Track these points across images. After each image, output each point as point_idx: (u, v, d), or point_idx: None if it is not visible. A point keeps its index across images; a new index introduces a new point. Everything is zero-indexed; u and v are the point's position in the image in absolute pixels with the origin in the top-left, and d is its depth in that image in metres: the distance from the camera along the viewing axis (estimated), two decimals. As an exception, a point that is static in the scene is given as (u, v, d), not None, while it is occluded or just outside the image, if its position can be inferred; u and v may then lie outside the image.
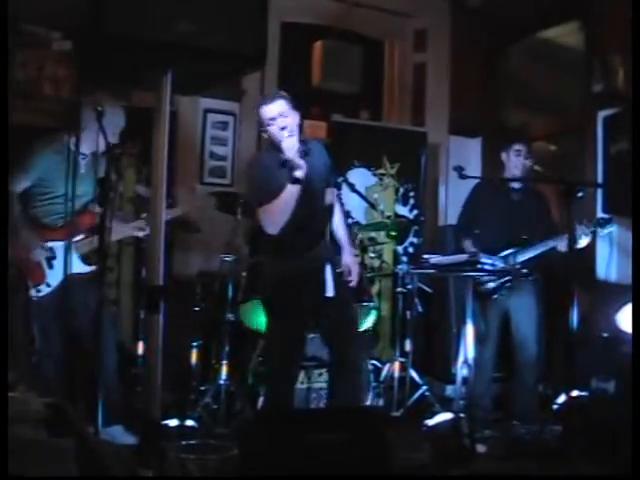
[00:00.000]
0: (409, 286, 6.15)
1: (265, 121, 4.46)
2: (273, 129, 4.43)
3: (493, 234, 5.62)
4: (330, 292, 4.52)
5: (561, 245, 5.41)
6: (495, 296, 5.57)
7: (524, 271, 5.44)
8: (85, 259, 4.68)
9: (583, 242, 5.45)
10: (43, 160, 4.56)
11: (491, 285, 5.54)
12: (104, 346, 4.48)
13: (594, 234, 5.49)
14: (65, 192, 4.42)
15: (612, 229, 5.59)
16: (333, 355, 4.68)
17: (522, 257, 5.53)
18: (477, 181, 5.99)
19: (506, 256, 5.53)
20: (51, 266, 4.58)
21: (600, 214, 6.17)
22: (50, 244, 4.59)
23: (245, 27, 3.17)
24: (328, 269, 4.55)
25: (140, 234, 4.92)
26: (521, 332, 5.65)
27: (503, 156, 5.82)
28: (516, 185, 5.81)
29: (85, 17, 3.00)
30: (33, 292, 4.54)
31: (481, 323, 5.60)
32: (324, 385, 5.27)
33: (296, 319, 4.55)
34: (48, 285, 4.57)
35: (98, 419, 3.86)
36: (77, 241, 4.65)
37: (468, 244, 5.64)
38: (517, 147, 5.75)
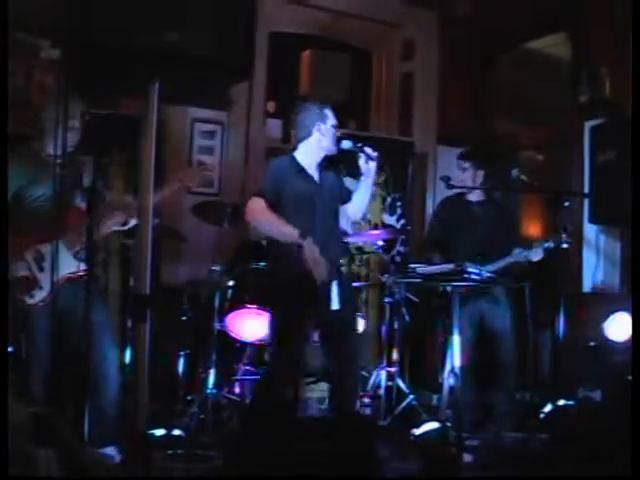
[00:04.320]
0: (396, 295, 6.15)
1: (328, 122, 4.70)
2: (331, 131, 4.71)
3: (457, 248, 5.62)
4: (335, 305, 4.54)
5: (521, 258, 5.43)
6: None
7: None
8: (77, 256, 4.59)
9: (536, 257, 5.46)
10: (18, 168, 4.50)
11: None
12: (105, 365, 4.45)
13: (548, 250, 5.49)
14: (43, 194, 4.41)
15: (566, 245, 5.59)
16: (334, 365, 4.72)
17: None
18: (441, 199, 6.08)
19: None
20: (42, 269, 4.51)
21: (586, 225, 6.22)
22: (37, 247, 4.51)
23: (233, 37, 3.18)
24: (334, 283, 4.56)
25: (122, 227, 4.78)
26: (496, 339, 5.66)
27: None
28: (473, 198, 5.83)
29: (74, 26, 3.00)
30: (26, 298, 4.46)
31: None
32: (312, 395, 5.28)
33: (300, 329, 4.59)
34: (41, 288, 4.50)
35: (85, 432, 3.85)
36: (66, 239, 4.57)
37: (437, 259, 5.67)
38: (463, 165, 5.77)
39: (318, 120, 4.69)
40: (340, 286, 4.59)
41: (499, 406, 5.64)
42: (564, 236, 5.33)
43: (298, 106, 4.88)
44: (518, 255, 5.45)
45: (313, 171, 4.72)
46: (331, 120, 4.71)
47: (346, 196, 4.85)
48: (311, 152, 4.72)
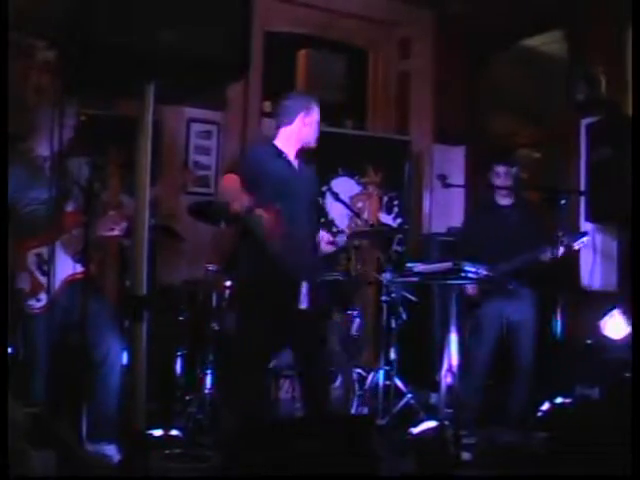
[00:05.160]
0: (393, 294, 6.15)
1: (313, 116, 4.74)
2: (314, 127, 4.75)
3: (490, 253, 5.60)
4: (304, 304, 4.54)
5: (543, 256, 5.44)
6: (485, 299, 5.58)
7: (510, 281, 5.45)
8: (77, 258, 4.55)
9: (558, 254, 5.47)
10: (11, 173, 4.46)
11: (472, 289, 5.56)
12: (107, 365, 4.46)
13: (568, 247, 5.49)
14: (38, 197, 4.39)
15: (584, 241, 5.58)
16: (302, 366, 4.77)
17: (507, 267, 5.51)
18: (472, 208, 6.06)
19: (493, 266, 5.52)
20: (44, 272, 4.47)
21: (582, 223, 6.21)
22: (37, 251, 4.48)
23: (229, 37, 3.18)
24: (304, 283, 4.56)
25: (113, 232, 4.75)
26: (518, 339, 5.65)
27: (490, 176, 5.84)
28: (506, 202, 5.84)
29: (69, 27, 3.00)
30: (33, 302, 4.43)
31: (475, 330, 5.63)
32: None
33: (269, 327, 4.56)
34: (48, 292, 4.46)
35: (83, 432, 3.85)
36: (65, 241, 4.54)
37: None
38: (498, 169, 5.79)
39: (303, 110, 4.73)
40: (309, 287, 4.59)
41: (513, 405, 5.65)
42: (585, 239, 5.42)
43: (286, 93, 4.98)
44: (540, 252, 5.45)
45: (292, 158, 4.75)
46: (316, 113, 4.76)
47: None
48: (290, 140, 4.75)
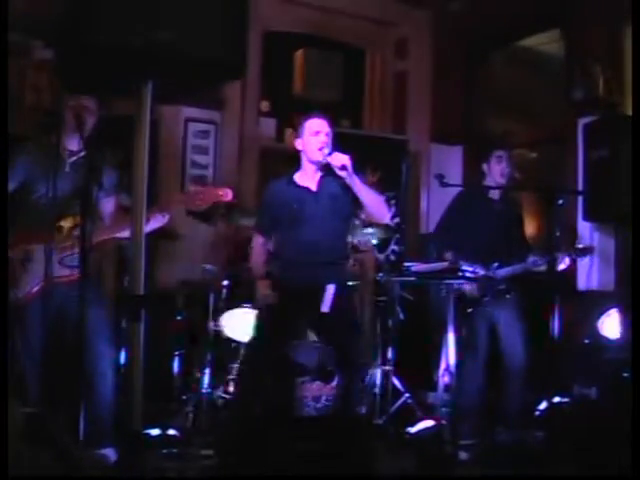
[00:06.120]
0: (390, 294, 6.14)
1: (306, 133, 4.71)
2: (311, 141, 4.68)
3: (472, 244, 5.55)
4: (325, 309, 4.57)
5: (540, 266, 5.40)
6: (484, 299, 5.54)
7: (502, 287, 5.43)
8: (63, 262, 4.48)
9: (561, 266, 5.43)
10: (23, 164, 4.44)
11: (470, 289, 5.50)
12: (101, 366, 4.45)
13: (573, 261, 5.48)
14: (47, 192, 4.35)
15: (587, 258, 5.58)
16: (339, 365, 4.83)
17: (501, 273, 5.47)
18: (459, 190, 5.91)
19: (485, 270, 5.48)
20: (25, 269, 4.41)
21: (582, 239, 6.20)
22: (25, 247, 4.41)
23: (226, 36, 3.18)
24: (330, 288, 4.60)
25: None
26: (508, 340, 5.62)
27: (484, 167, 5.73)
28: (496, 196, 5.75)
29: (66, 26, 3.00)
30: (12, 295, 4.36)
31: (468, 332, 5.60)
32: (306, 394, 5.28)
33: (289, 330, 4.68)
34: (16, 290, 4.33)
35: (81, 433, 3.84)
36: (59, 245, 4.48)
37: (448, 255, 5.58)
38: (498, 154, 5.69)
39: (301, 133, 4.74)
40: (336, 289, 4.62)
41: (508, 405, 5.63)
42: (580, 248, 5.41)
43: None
44: (534, 264, 5.40)
45: (309, 182, 4.74)
46: (309, 130, 4.72)
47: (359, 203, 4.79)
48: (303, 163, 4.79)
